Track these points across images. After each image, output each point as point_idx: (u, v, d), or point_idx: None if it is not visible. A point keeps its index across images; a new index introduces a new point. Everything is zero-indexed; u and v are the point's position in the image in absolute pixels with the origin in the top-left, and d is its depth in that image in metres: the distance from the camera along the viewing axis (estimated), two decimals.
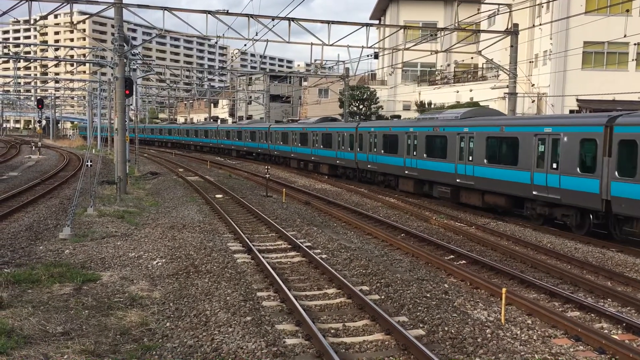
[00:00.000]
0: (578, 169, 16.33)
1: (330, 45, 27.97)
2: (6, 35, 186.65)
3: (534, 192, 18.09)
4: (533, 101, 41.23)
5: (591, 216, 16.40)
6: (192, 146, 69.47)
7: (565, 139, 16.83)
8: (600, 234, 16.61)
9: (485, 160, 20.58)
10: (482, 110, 25.62)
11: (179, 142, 73.99)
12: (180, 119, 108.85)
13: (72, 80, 71.43)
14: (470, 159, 21.39)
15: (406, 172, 25.95)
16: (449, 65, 55.49)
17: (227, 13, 26.12)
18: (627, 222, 15.19)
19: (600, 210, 15.73)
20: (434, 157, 23.82)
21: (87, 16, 31.69)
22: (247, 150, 51.98)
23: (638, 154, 14.41)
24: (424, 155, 24.49)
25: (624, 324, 9.36)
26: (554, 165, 17.27)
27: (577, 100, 37.90)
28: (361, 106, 55.21)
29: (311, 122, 39.32)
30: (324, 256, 13.97)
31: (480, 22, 43.92)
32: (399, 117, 33.13)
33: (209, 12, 25.82)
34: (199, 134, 66.69)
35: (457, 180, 22.12)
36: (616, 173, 15.04)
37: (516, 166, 18.83)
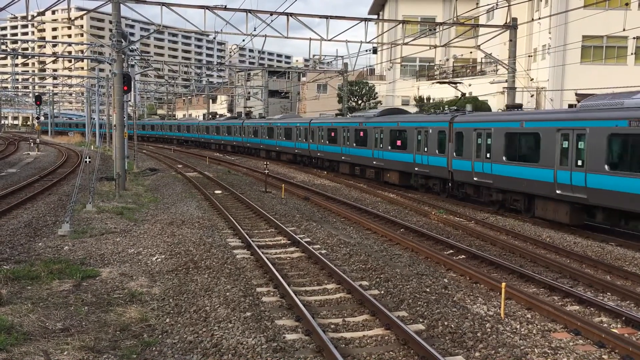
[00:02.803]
0: (390, 146, 28.11)
1: (329, 40, 27.99)
2: (4, 32, 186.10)
3: (374, 163, 29.08)
4: (532, 95, 41.19)
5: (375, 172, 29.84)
6: (150, 138, 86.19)
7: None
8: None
9: (324, 140, 35.01)
10: (291, 114, 51.73)
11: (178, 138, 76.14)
12: (179, 115, 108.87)
13: (70, 77, 71.24)
14: (311, 140, 37.21)
15: (261, 146, 47.39)
16: (447, 60, 55.41)
17: (225, 8, 26.07)
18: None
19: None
20: (270, 138, 44.31)
21: (84, 12, 31.58)
22: (186, 139, 71.32)
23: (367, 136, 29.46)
24: (266, 137, 45.48)
25: (623, 318, 9.38)
26: (348, 143, 31.46)
27: (576, 94, 37.87)
28: (360, 101, 55.17)
29: (223, 119, 62.47)
30: (323, 251, 13.98)
31: (479, 16, 43.85)
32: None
33: (207, 7, 25.77)
34: (155, 128, 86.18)
35: (296, 151, 39.51)
36: (382, 145, 28.28)
37: (292, 140, 39.48)
